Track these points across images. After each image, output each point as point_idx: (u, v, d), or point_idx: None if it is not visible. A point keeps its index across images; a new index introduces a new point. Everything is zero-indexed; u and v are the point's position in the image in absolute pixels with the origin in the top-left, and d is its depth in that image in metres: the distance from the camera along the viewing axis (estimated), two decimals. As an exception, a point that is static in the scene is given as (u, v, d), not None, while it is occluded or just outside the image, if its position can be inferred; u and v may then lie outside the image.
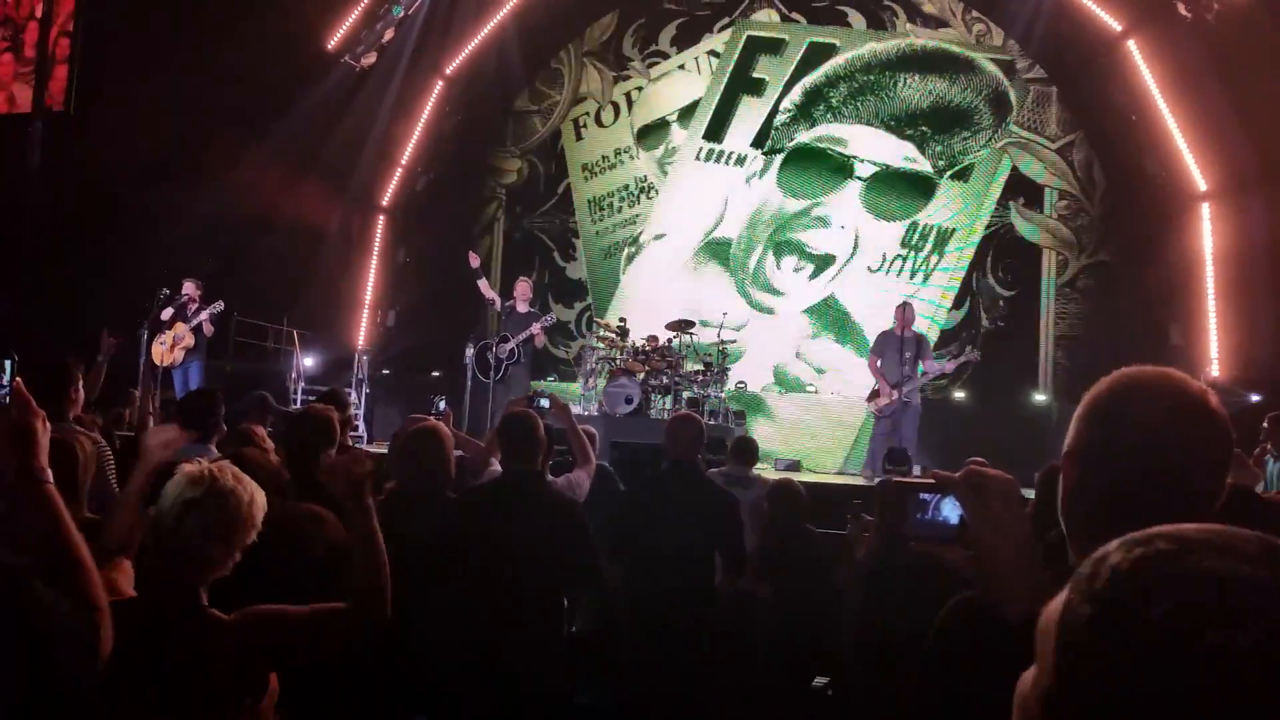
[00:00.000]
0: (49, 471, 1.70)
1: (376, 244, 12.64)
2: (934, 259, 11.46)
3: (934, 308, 11.33)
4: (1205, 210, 9.80)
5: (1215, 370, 9.36)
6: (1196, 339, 9.71)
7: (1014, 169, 11.35)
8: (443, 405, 4.31)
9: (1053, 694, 0.64)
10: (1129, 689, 0.58)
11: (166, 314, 9.23)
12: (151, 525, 2.04)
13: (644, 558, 4.15)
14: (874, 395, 8.72)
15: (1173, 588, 0.59)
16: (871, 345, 9.28)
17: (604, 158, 12.73)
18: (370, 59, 11.52)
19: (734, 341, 10.25)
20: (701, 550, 4.16)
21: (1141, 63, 10.06)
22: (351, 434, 8.42)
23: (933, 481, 1.04)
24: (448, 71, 12.47)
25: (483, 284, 10.08)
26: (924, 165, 11.39)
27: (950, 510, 1.04)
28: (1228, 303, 9.54)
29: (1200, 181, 9.80)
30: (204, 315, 9.28)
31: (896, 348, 8.77)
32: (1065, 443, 1.19)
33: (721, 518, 4.19)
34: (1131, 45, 10.15)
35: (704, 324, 10.03)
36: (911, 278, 11.46)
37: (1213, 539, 0.61)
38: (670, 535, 4.09)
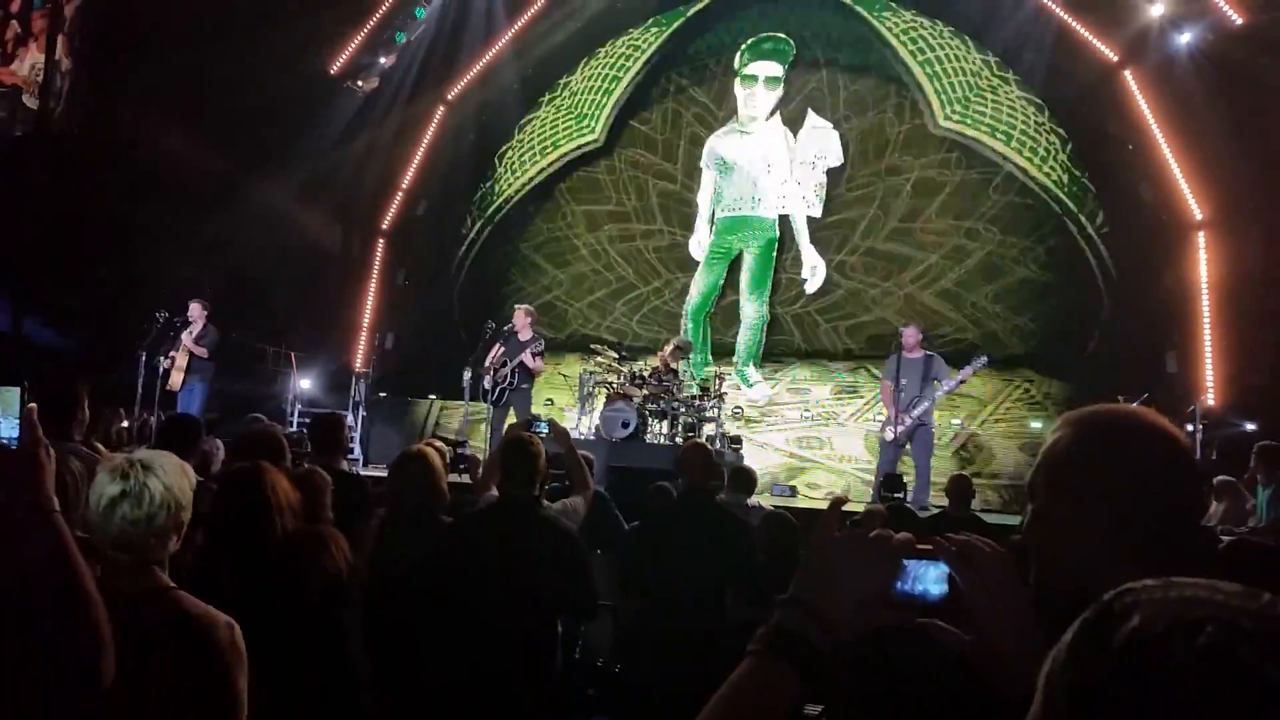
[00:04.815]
0: (56, 500, 1.69)
1: (376, 267, 12.68)
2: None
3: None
4: (1201, 239, 9.85)
5: (1211, 398, 9.34)
6: (1193, 367, 9.70)
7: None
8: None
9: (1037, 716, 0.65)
10: (1099, 694, 0.60)
11: (186, 335, 9.27)
12: (84, 524, 1.95)
13: (660, 588, 4.13)
14: (887, 423, 8.58)
15: (1148, 606, 0.62)
16: (884, 370, 9.09)
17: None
18: (373, 84, 11.60)
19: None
20: (716, 580, 4.12)
21: (1137, 92, 10.14)
22: (348, 459, 8.40)
23: (929, 548, 0.98)
24: (449, 97, 12.55)
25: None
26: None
27: (933, 582, 0.98)
28: (1223, 331, 9.54)
29: (1196, 210, 9.85)
30: (189, 339, 9.30)
31: (907, 370, 8.66)
32: (1038, 502, 1.15)
33: (737, 547, 4.16)
34: (1128, 75, 10.23)
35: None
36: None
37: (1200, 581, 0.64)
38: (686, 565, 4.05)
